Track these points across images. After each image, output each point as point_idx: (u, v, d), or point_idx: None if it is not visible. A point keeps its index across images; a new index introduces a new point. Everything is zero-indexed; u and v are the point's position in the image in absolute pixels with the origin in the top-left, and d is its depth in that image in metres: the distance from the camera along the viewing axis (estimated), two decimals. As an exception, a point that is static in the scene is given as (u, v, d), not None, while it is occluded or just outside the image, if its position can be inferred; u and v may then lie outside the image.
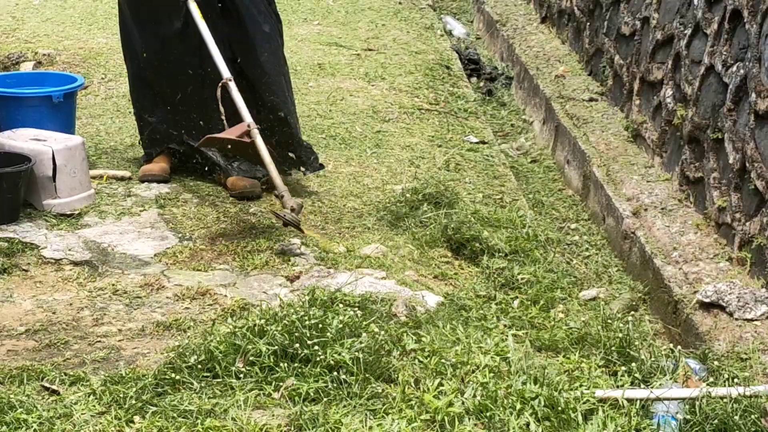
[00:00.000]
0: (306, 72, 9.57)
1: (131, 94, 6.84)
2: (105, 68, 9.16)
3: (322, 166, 6.82)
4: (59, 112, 6.67)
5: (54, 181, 6.02)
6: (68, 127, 6.71)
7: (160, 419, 3.96)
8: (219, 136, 6.10)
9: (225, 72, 6.14)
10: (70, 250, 5.59)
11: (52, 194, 6.04)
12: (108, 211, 6.15)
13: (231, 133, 6.05)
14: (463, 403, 4.07)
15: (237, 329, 4.48)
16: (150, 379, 4.23)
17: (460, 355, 4.44)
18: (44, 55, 9.44)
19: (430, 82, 9.76)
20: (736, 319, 5.09)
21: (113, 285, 5.24)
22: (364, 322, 4.61)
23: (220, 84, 6.13)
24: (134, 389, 4.14)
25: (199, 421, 3.94)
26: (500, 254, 5.88)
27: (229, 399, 4.12)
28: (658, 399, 4.11)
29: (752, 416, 3.87)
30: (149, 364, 4.46)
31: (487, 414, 4.02)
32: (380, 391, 4.18)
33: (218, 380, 4.25)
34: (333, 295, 4.92)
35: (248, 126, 6.01)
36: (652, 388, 4.21)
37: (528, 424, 3.96)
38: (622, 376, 4.40)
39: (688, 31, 6.76)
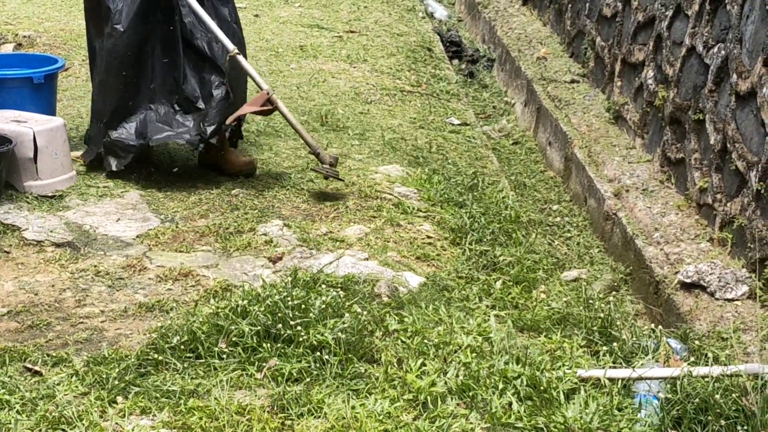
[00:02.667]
0: (288, 54, 9.56)
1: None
2: (86, 50, 9.11)
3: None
4: (40, 93, 6.65)
5: (35, 162, 6.00)
6: (49, 109, 6.69)
7: (142, 400, 3.97)
8: (243, 111, 6.26)
9: (230, 45, 6.17)
10: (51, 231, 5.58)
11: (33, 176, 6.02)
12: (89, 192, 6.13)
13: (254, 104, 6.22)
14: (445, 383, 4.09)
15: (219, 310, 4.49)
16: (133, 360, 4.24)
17: (443, 335, 4.45)
18: (25, 36, 9.40)
19: (411, 64, 9.75)
20: (717, 299, 5.11)
21: (95, 266, 5.24)
22: (347, 303, 4.62)
23: (228, 57, 6.19)
24: (117, 370, 4.15)
25: (182, 401, 3.95)
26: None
27: (211, 379, 4.12)
28: (639, 378, 4.13)
29: (733, 395, 3.89)
30: (132, 345, 4.46)
31: (470, 393, 4.04)
32: (363, 371, 4.20)
33: (201, 361, 4.26)
34: (315, 276, 4.93)
35: (267, 93, 6.15)
36: (633, 367, 4.23)
37: (510, 404, 3.98)
38: (604, 355, 4.43)
39: (670, 13, 6.77)
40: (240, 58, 6.17)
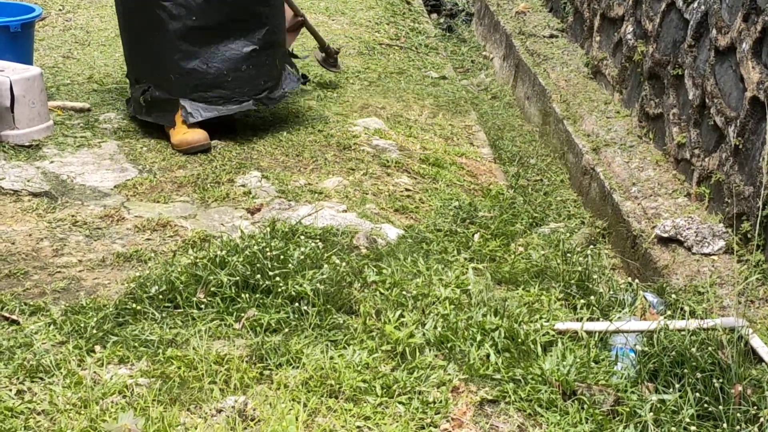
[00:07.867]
0: (266, 5, 9.49)
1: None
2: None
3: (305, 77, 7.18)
4: (17, 42, 6.59)
5: (12, 111, 5.96)
6: (26, 58, 6.64)
7: (121, 349, 3.96)
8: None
9: None
10: (29, 181, 5.55)
11: (10, 125, 5.98)
12: (67, 142, 6.10)
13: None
14: (423, 334, 4.09)
15: (198, 260, 4.48)
16: (111, 309, 4.22)
17: (421, 287, 4.45)
18: (0, -15, 9.32)
19: (390, 17, 9.71)
20: (694, 254, 5.14)
21: (73, 216, 5.21)
22: (326, 254, 4.62)
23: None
24: (95, 319, 4.13)
25: (160, 350, 3.94)
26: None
27: (190, 329, 4.11)
28: (616, 331, 4.15)
29: (709, 348, 3.91)
30: (110, 294, 4.45)
31: (448, 345, 4.04)
32: (341, 322, 4.20)
33: (179, 311, 4.25)
34: (294, 228, 4.92)
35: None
36: (610, 320, 4.24)
37: (488, 356, 3.98)
38: (581, 308, 4.44)
39: (650, -32, 6.76)
40: None
